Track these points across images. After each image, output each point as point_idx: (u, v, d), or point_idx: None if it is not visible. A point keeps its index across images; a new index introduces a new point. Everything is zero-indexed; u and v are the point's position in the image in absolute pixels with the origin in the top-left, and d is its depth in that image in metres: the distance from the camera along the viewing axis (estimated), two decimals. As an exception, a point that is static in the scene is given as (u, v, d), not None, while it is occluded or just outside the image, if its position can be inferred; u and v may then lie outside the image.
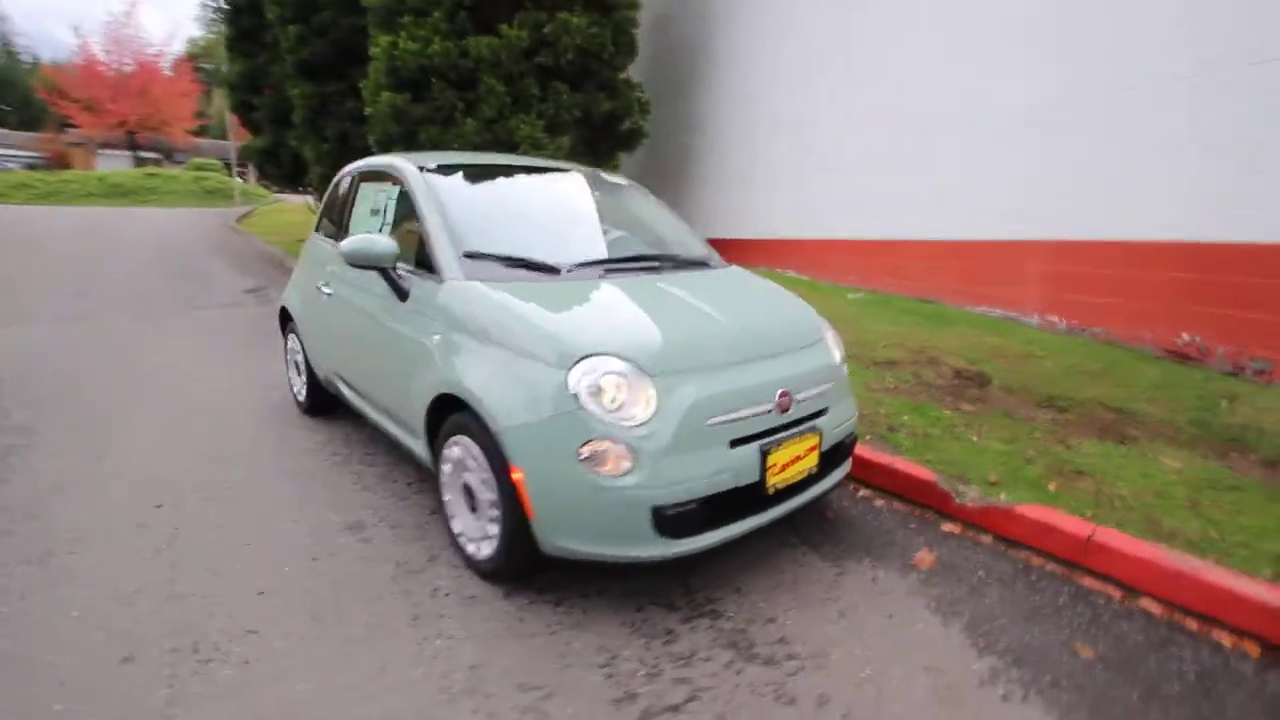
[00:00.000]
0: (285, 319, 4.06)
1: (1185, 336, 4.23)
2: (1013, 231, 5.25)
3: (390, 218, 2.86)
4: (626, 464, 1.88)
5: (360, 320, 2.90)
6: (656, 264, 2.69)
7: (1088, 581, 2.24)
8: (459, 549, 2.36)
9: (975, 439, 3.30)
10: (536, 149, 8.35)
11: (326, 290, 3.25)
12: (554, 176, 3.26)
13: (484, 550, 2.21)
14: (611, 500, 1.87)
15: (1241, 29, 3.93)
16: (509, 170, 3.12)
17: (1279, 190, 3.82)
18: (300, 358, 3.86)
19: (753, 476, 2.05)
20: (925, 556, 2.40)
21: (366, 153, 11.33)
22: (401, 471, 3.16)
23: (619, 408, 1.90)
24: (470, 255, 2.39)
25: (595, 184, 3.31)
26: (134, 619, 2.02)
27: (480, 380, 2.08)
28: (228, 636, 1.95)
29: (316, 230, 3.79)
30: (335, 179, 3.70)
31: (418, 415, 2.44)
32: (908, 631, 2.00)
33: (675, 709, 1.67)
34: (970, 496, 2.69)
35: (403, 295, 2.53)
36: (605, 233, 2.90)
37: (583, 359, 1.95)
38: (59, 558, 2.34)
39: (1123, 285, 4.58)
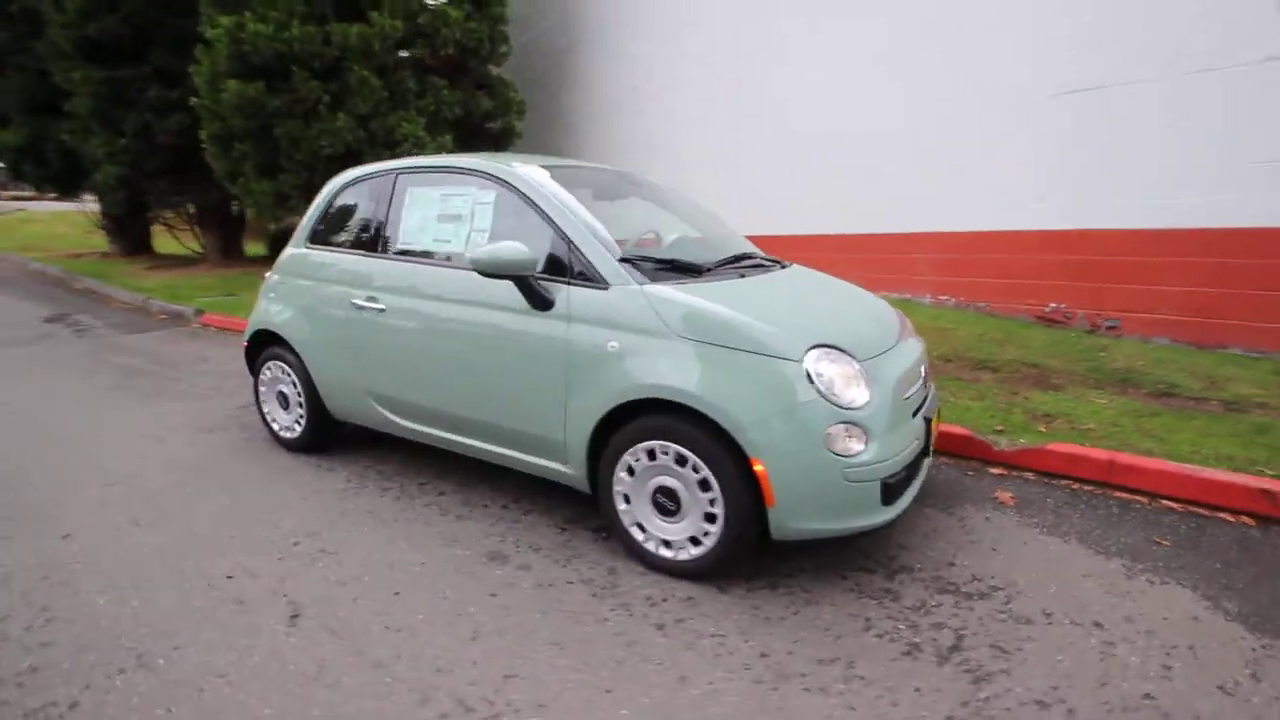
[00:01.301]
0: (260, 346, 3.49)
1: (1052, 305, 5.40)
2: (906, 225, 6.20)
3: (486, 224, 2.66)
4: (860, 443, 2.07)
5: (454, 336, 2.67)
6: (762, 263, 2.86)
7: (1121, 495, 2.91)
8: (642, 556, 2.35)
9: (952, 399, 3.95)
10: (418, 148, 7.83)
11: (373, 306, 2.90)
12: (610, 174, 3.29)
13: (687, 551, 2.24)
14: (851, 478, 2.05)
15: (1071, 63, 5.11)
16: (576, 170, 3.06)
17: (1109, 193, 5.05)
18: (290, 388, 3.37)
19: (923, 443, 2.36)
20: (1005, 495, 2.91)
21: (180, 150, 9.72)
22: (481, 494, 2.96)
23: (846, 392, 2.09)
24: (624, 260, 2.37)
25: (647, 182, 3.39)
26: (388, 679, 1.75)
27: (701, 380, 2.11)
28: (500, 695, 1.78)
29: (310, 242, 3.32)
30: (340, 184, 3.28)
31: (580, 429, 2.36)
32: (1047, 552, 2.45)
33: (957, 648, 1.92)
34: (1003, 444, 3.28)
35: (545, 305, 2.41)
36: (697, 231, 3.00)
37: (810, 350, 2.10)
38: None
39: (999, 267, 5.69)
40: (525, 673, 1.83)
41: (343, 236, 3.25)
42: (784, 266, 3.03)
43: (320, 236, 3.33)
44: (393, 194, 3.00)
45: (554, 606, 2.14)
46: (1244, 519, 2.67)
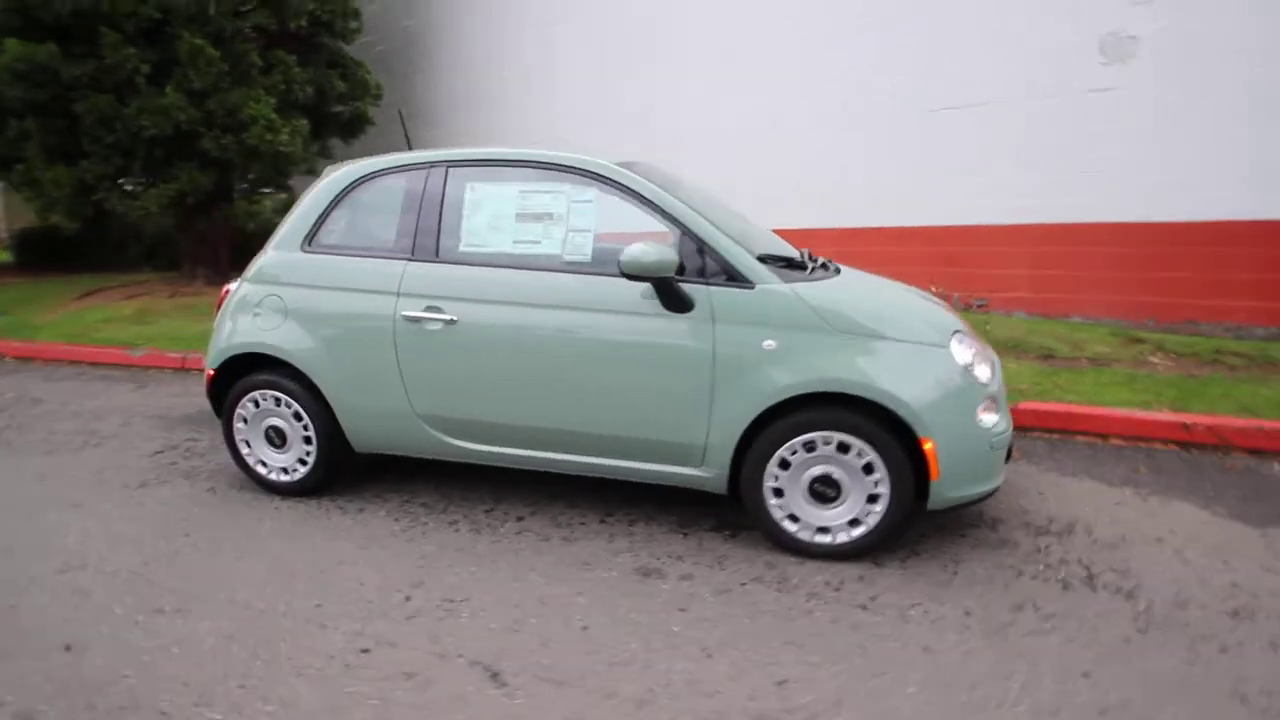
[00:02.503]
0: (233, 375, 2.86)
1: (933, 287, 6.34)
2: (805, 221, 6.83)
3: (587, 223, 2.47)
4: (994, 414, 2.34)
5: (561, 346, 2.47)
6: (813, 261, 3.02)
7: (1081, 439, 3.59)
8: (794, 546, 2.40)
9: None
10: (271, 132, 6.77)
11: (436, 317, 2.54)
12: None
13: (847, 534, 2.35)
14: (993, 445, 2.32)
15: (949, 83, 6.05)
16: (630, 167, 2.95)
17: (974, 194, 6.07)
18: (290, 422, 2.83)
19: (1004, 412, 2.74)
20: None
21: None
22: (562, 512, 2.78)
23: (979, 370, 2.35)
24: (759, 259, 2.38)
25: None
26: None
27: (873, 371, 2.22)
28: (789, 702, 1.73)
29: (308, 246, 2.78)
30: (351, 178, 2.80)
31: (728, 430, 2.34)
32: (1076, 490, 2.95)
33: (1093, 576, 2.27)
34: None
35: (686, 306, 2.33)
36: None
37: (952, 334, 2.32)
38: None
39: (886, 257, 6.53)
40: (792, 677, 1.82)
41: (365, 238, 2.79)
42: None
43: (324, 239, 2.81)
44: (444, 190, 2.64)
45: (754, 610, 2.12)
46: (1170, 445, 3.47)
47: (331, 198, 2.80)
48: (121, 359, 5.42)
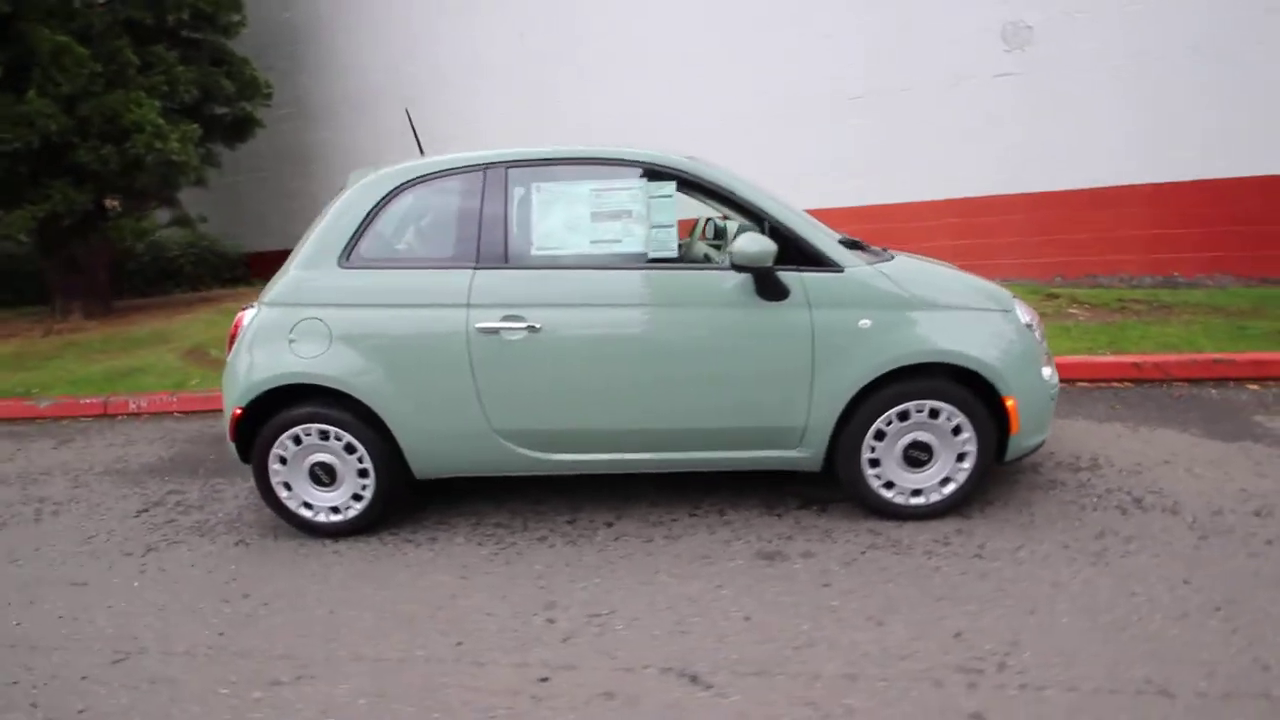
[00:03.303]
0: (264, 412, 2.56)
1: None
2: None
3: (669, 218, 2.43)
4: (1049, 368, 2.61)
5: (658, 344, 2.44)
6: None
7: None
8: (888, 510, 2.55)
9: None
10: (159, 140, 5.98)
11: (517, 326, 2.41)
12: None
13: (939, 493, 2.53)
14: (1052, 397, 2.59)
15: (863, 76, 6.48)
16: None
17: (895, 175, 6.58)
18: (340, 455, 2.59)
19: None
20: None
21: None
22: (642, 511, 2.77)
23: (1037, 331, 2.60)
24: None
25: None
26: None
27: (964, 340, 2.40)
28: (1012, 656, 1.85)
29: (345, 262, 2.53)
30: (391, 185, 2.57)
31: (828, 409, 2.44)
32: (1082, 430, 3.35)
33: (1141, 499, 2.60)
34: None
35: (784, 294, 2.38)
36: None
37: (1015, 300, 2.55)
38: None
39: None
40: (963, 628, 1.95)
41: (416, 249, 2.59)
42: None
43: (365, 253, 2.57)
44: (506, 191, 2.50)
45: (887, 574, 2.24)
46: (1126, 383, 4.02)
47: (370, 207, 2.55)
48: (24, 411, 4.60)
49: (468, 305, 2.46)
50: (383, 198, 2.56)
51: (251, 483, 3.23)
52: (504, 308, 2.45)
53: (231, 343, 2.68)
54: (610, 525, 2.69)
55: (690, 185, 2.51)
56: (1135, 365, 4.03)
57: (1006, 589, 2.13)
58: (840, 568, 2.30)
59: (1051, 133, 5.88)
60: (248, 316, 2.64)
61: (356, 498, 2.64)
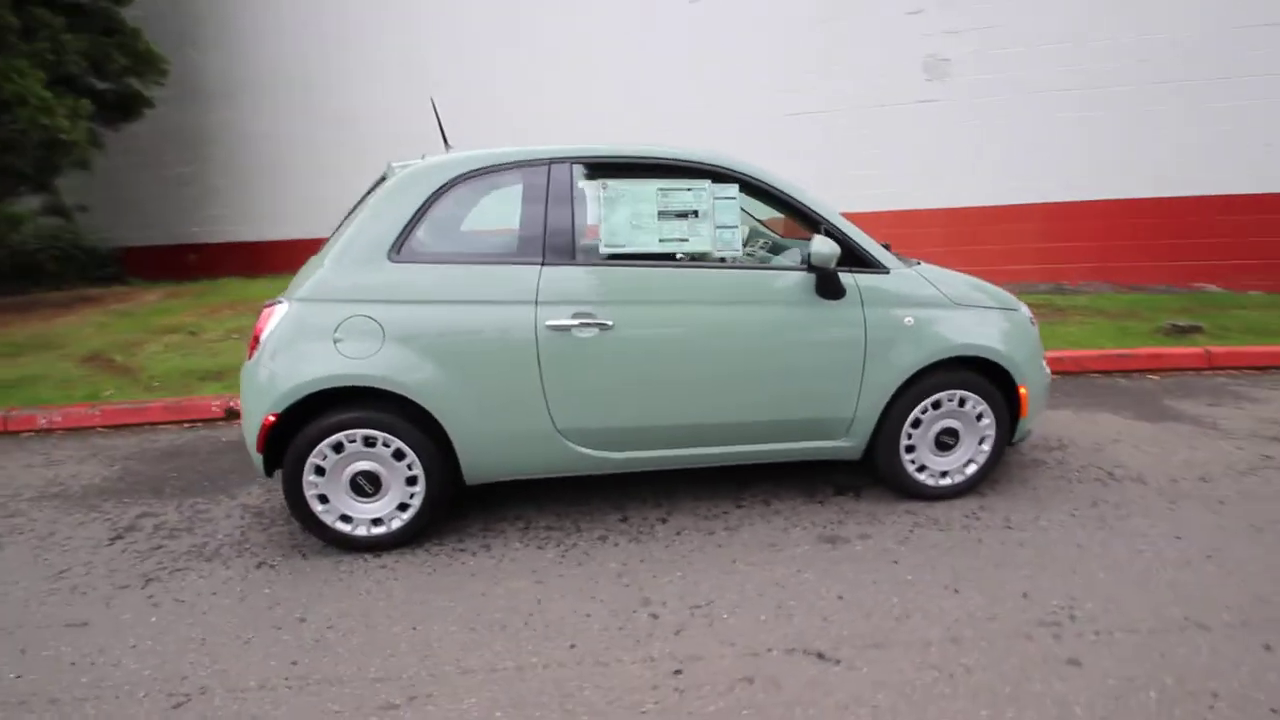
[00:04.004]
0: (298, 419, 2.35)
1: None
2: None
3: (733, 219, 2.51)
4: (1044, 360, 2.98)
5: (726, 341, 2.52)
6: None
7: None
8: (922, 493, 2.78)
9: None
10: (45, 115, 5.18)
11: (589, 323, 2.38)
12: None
13: (963, 474, 2.79)
14: (1048, 385, 2.95)
15: (798, 94, 6.90)
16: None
17: (823, 188, 7.06)
18: (388, 463, 2.43)
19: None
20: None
21: None
22: (689, 508, 2.84)
23: (1036, 324, 2.95)
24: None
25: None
26: None
27: (988, 334, 2.67)
28: (1082, 609, 2.08)
29: (396, 256, 2.36)
30: (445, 178, 2.45)
31: (875, 401, 2.63)
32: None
33: (1112, 473, 3.02)
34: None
35: (841, 293, 2.52)
36: None
37: (1019, 301, 2.87)
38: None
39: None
40: (1028, 590, 2.19)
41: (474, 244, 2.48)
42: None
43: (417, 247, 2.42)
44: (572, 188, 2.46)
45: (940, 548, 2.45)
46: (1055, 376, 4.60)
47: (422, 199, 2.41)
48: (-107, 432, 3.78)
49: (536, 302, 2.40)
50: (438, 189, 2.43)
51: (242, 500, 2.97)
52: (574, 305, 2.42)
53: (254, 343, 2.42)
54: (664, 521, 2.71)
55: (751, 189, 2.61)
56: (1058, 359, 4.64)
57: (1044, 553, 2.41)
58: (898, 545, 2.49)
59: (964, 154, 6.60)
60: (277, 314, 2.39)
61: (402, 507, 2.48)
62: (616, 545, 2.54)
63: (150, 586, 2.34)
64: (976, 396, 2.73)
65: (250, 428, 2.40)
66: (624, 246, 2.50)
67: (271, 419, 2.33)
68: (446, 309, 2.39)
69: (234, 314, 6.13)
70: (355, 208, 2.60)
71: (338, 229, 2.57)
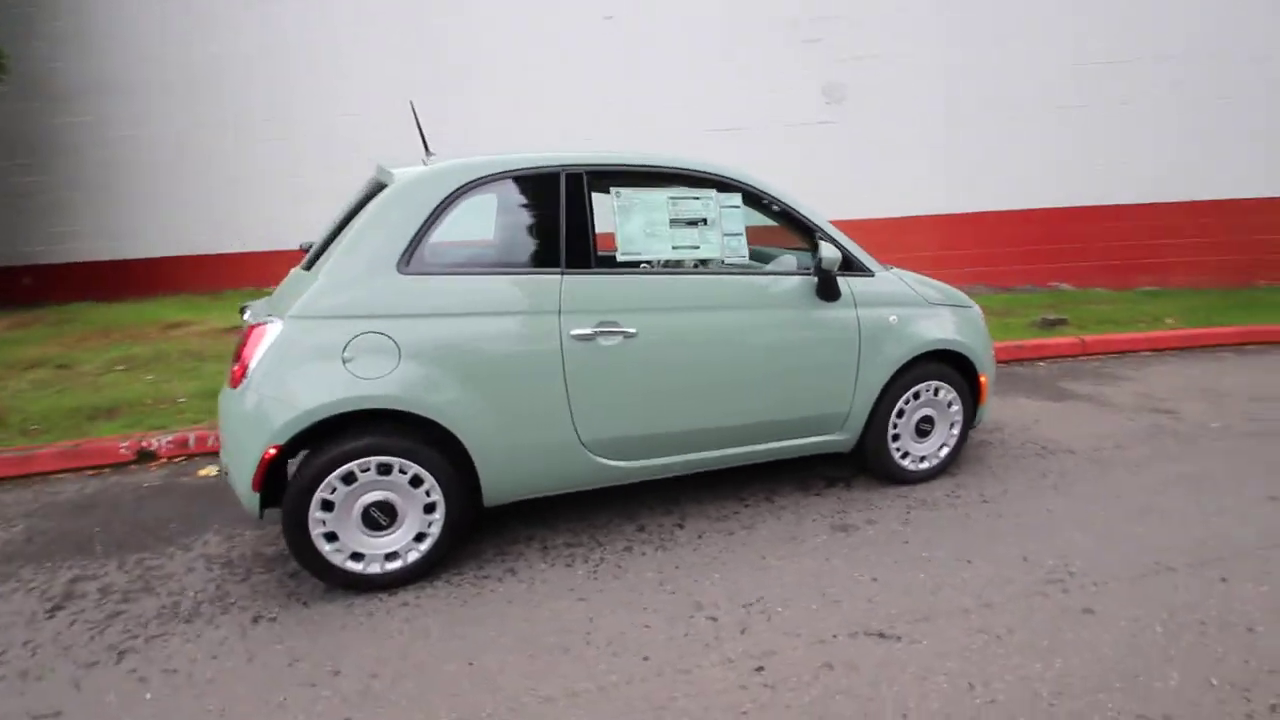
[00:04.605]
0: (295, 447, 2.15)
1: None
2: (602, 226, 7.33)
3: (738, 227, 2.59)
4: (990, 352, 3.34)
5: (739, 344, 2.60)
6: None
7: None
8: (905, 478, 3.01)
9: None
10: None
11: (613, 332, 2.35)
12: None
13: (938, 457, 3.07)
14: (995, 375, 3.30)
15: (720, 111, 7.21)
16: None
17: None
18: (404, 491, 2.27)
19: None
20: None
21: None
22: (702, 512, 2.90)
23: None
24: (855, 251, 2.89)
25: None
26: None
27: (958, 331, 2.95)
28: (1071, 564, 2.33)
29: (405, 267, 2.20)
30: (457, 183, 2.32)
31: (868, 395, 2.83)
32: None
33: (1049, 448, 3.44)
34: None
35: (838, 295, 2.68)
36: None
37: (972, 300, 3.20)
38: None
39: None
40: (1026, 553, 2.44)
41: (488, 253, 2.38)
42: None
43: (429, 256, 2.28)
44: (586, 195, 2.41)
45: (936, 526, 2.66)
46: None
47: (433, 207, 2.26)
48: None
49: (559, 312, 2.34)
50: (447, 196, 2.30)
51: (200, 550, 2.63)
52: (597, 313, 2.38)
53: (240, 368, 2.15)
54: (681, 526, 2.73)
55: (750, 199, 2.71)
56: (1018, 345, 5.19)
57: (1022, 521, 2.70)
58: (902, 527, 2.68)
59: (858, 170, 7.21)
60: (269, 334, 2.14)
61: (419, 538, 2.30)
62: (644, 555, 2.52)
63: (127, 660, 1.99)
64: (948, 386, 3.01)
65: (243, 463, 2.12)
66: (640, 254, 2.51)
67: (273, 452, 2.08)
68: (467, 322, 2.26)
69: (109, 343, 5.32)
70: (348, 215, 2.40)
71: (329, 239, 2.35)
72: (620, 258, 2.48)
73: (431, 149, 2.77)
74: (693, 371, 2.56)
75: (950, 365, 3.02)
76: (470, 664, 1.94)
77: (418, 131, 2.81)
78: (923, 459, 3.06)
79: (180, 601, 2.28)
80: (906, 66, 7.02)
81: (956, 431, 3.10)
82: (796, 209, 2.76)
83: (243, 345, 2.20)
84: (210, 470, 3.41)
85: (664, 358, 2.49)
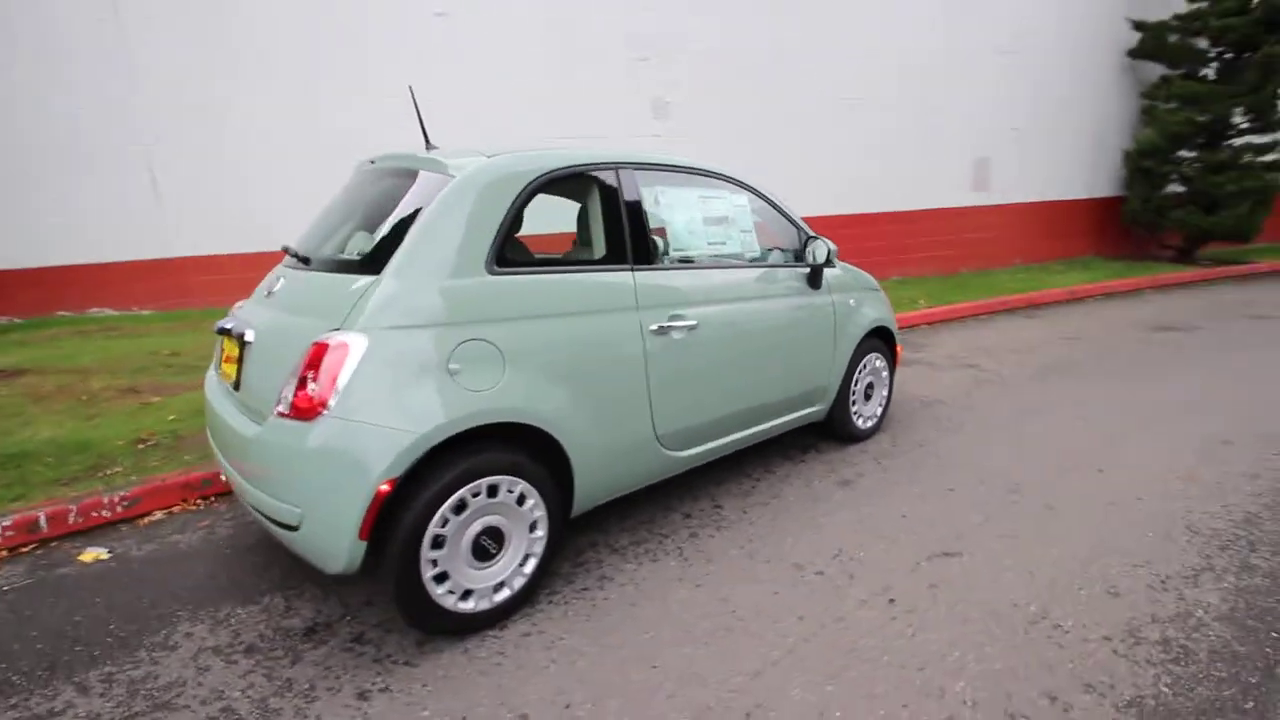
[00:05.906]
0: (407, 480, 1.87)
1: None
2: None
3: (749, 225, 2.80)
4: (887, 328, 4.06)
5: (763, 332, 2.84)
6: None
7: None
8: (860, 436, 3.55)
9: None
10: None
11: (681, 325, 2.41)
12: None
13: (875, 418, 3.67)
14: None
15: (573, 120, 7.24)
16: None
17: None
18: (512, 514, 2.12)
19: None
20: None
21: None
22: (725, 489, 3.13)
23: None
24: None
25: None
26: None
27: (882, 312, 3.55)
28: (1048, 479, 2.98)
29: (496, 267, 2.00)
30: (533, 178, 2.17)
31: (840, 368, 3.29)
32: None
33: (964, 426, 4.29)
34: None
35: (821, 284, 3.06)
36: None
37: (878, 282, 3.89)
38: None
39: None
40: (973, 497, 3.09)
41: (556, 251, 2.20)
42: None
43: (511, 256, 2.09)
44: (640, 192, 2.41)
45: (907, 476, 3.22)
46: (814, 348, 6.03)
47: (512, 201, 2.07)
48: None
49: (637, 307, 2.33)
50: (525, 191, 2.13)
51: (193, 645, 2.07)
52: (666, 307, 2.43)
53: (312, 396, 1.74)
54: (720, 508, 2.87)
55: (756, 198, 2.96)
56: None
57: (964, 459, 3.38)
58: (886, 474, 3.19)
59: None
60: (353, 350, 1.77)
61: (524, 567, 2.10)
62: (712, 538, 2.63)
63: (223, 787, 1.50)
64: (882, 357, 3.64)
65: (339, 509, 1.74)
66: (686, 250, 2.61)
67: (386, 488, 1.74)
68: (561, 322, 2.14)
69: None
70: (355, 209, 2.17)
71: (328, 235, 2.07)
72: (673, 254, 2.56)
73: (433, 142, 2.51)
74: (740, 358, 2.74)
75: (879, 339, 3.65)
76: (654, 667, 1.89)
77: (418, 122, 2.51)
78: (870, 419, 3.65)
79: (231, 707, 1.76)
80: (717, 89, 7.89)
81: (886, 393, 3.75)
82: (787, 209, 3.11)
83: (309, 366, 1.79)
84: (95, 554, 2.56)
85: (720, 347, 2.64)
